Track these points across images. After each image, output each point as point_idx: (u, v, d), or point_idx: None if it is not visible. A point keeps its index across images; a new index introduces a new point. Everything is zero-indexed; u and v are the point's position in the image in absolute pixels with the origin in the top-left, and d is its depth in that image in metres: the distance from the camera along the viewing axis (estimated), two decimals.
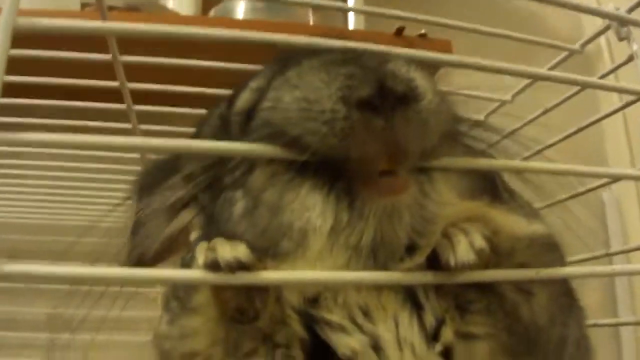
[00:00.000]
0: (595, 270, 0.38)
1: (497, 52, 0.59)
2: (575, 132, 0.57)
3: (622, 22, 0.49)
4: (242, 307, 0.33)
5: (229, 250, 0.31)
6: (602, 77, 0.58)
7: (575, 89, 0.57)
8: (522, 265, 0.36)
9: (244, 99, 0.42)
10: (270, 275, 0.31)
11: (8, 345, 1.20)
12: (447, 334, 0.35)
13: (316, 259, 0.34)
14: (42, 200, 1.06)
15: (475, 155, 0.38)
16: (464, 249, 0.32)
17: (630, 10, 0.51)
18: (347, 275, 0.33)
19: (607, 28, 0.54)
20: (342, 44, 0.35)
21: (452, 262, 0.32)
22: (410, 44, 1.02)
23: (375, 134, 0.31)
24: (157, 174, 0.50)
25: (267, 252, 0.34)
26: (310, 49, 0.38)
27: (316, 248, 0.33)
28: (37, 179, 0.93)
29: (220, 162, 0.42)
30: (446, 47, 1.00)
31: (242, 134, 0.40)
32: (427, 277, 0.34)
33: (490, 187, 0.39)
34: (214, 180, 0.42)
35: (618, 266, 0.54)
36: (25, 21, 0.28)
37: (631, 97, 0.53)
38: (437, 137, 0.33)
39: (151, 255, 0.47)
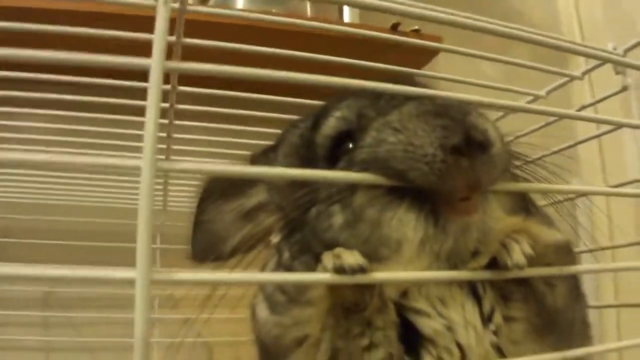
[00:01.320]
0: (605, 266, 0.52)
1: (482, 46, 0.68)
2: (551, 154, 0.71)
3: (619, 64, 0.62)
4: (356, 301, 0.45)
5: (351, 257, 0.42)
6: (585, 107, 0.72)
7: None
8: (549, 265, 0.49)
9: (331, 126, 0.53)
10: (379, 275, 0.43)
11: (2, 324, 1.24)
12: (498, 318, 0.49)
13: (407, 262, 0.46)
14: (35, 181, 1.11)
15: (515, 178, 0.51)
16: (517, 254, 0.45)
17: (626, 51, 0.64)
18: (432, 275, 0.46)
19: (604, 62, 0.67)
20: (423, 92, 0.46)
21: (509, 263, 0.45)
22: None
23: (461, 172, 0.43)
24: (230, 180, 0.60)
25: (368, 256, 0.44)
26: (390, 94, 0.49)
27: (408, 254, 0.46)
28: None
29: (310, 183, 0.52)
30: (437, 42, 1.11)
31: (329, 160, 0.52)
32: (487, 275, 0.47)
33: (524, 204, 0.52)
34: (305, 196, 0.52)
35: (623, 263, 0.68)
36: None
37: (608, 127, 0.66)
38: (501, 172, 0.45)
39: (228, 252, 0.57)
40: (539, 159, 0.53)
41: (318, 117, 0.55)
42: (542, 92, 0.75)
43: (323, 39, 1.10)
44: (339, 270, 0.41)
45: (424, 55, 1.31)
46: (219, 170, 0.44)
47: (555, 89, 0.74)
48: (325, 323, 0.47)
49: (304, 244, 0.49)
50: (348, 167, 0.48)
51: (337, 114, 0.53)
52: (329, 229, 0.48)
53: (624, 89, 0.66)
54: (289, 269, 0.50)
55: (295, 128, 0.59)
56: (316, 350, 0.47)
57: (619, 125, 0.57)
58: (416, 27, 1.25)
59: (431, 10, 0.47)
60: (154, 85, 0.33)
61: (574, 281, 0.54)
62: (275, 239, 0.56)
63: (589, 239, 0.72)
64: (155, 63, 0.33)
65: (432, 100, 0.46)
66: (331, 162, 0.52)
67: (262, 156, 0.62)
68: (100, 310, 1.24)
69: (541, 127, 0.73)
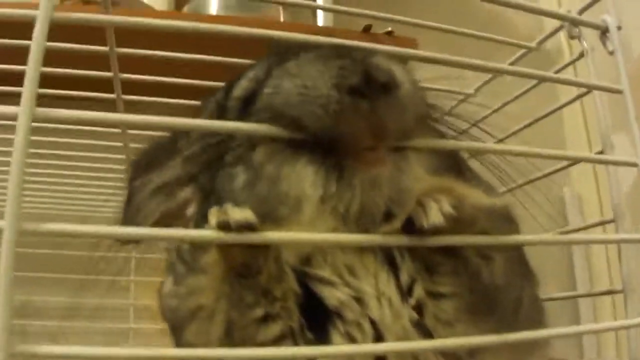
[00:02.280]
0: (545, 238, 0.46)
1: (459, 50, 0.66)
2: (535, 121, 0.66)
3: (574, 22, 0.58)
4: (247, 263, 0.40)
5: (238, 213, 0.37)
6: (558, 71, 0.67)
7: (534, 82, 0.66)
8: (483, 233, 0.43)
9: (242, 87, 0.49)
10: (273, 235, 0.38)
11: None
12: (419, 292, 0.43)
13: (309, 223, 0.41)
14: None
15: (440, 136, 0.46)
16: (434, 213, 0.40)
17: (581, 11, 0.60)
18: (335, 237, 0.40)
19: (560, 28, 0.63)
20: (330, 41, 0.43)
21: (424, 224, 0.39)
22: (377, 41, 1.10)
23: (361, 115, 0.38)
24: (155, 153, 0.56)
25: (266, 217, 0.40)
26: (301, 46, 0.45)
27: (309, 213, 0.41)
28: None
29: (219, 143, 0.49)
30: (412, 45, 1.08)
31: (240, 119, 0.47)
32: (402, 240, 0.41)
33: (454, 166, 0.47)
34: (212, 159, 0.49)
35: (571, 236, 0.62)
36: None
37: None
38: (413, 120, 0.41)
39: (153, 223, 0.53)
40: (482, 119, 0.48)
41: (232, 82, 0.52)
42: (534, 44, 0.70)
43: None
44: (224, 226, 0.37)
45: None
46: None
47: (513, 62, 0.70)
48: (219, 292, 0.42)
49: (209, 206, 0.45)
50: (249, 115, 0.44)
51: (249, 74, 0.49)
52: (230, 190, 0.44)
53: (581, 55, 0.62)
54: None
55: (213, 96, 0.55)
56: (210, 321, 0.42)
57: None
58: (389, 29, 1.22)
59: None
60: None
61: (517, 254, 0.48)
62: (191, 211, 0.52)
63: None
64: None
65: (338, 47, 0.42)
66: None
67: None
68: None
69: (522, 94, 0.69)
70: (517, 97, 0.70)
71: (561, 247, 1.45)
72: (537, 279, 0.51)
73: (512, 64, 0.70)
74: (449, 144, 0.45)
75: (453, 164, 0.47)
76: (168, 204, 0.53)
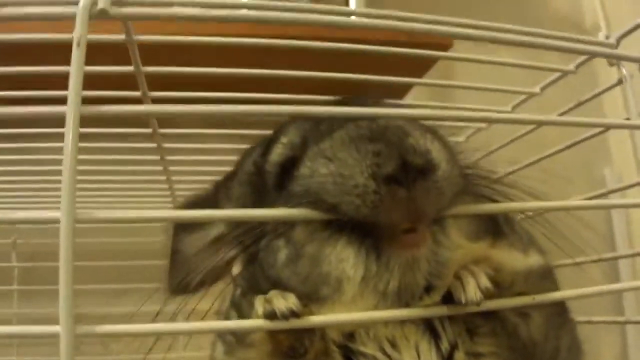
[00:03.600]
0: (586, 291, 0.47)
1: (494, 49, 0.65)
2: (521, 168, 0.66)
3: (611, 56, 0.57)
4: (293, 345, 0.43)
5: (283, 302, 0.40)
6: (591, 98, 0.66)
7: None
8: (521, 294, 0.45)
9: (278, 153, 0.50)
10: (315, 319, 0.40)
11: None
12: (460, 357, 0.44)
13: (351, 302, 0.43)
14: None
15: (480, 199, 0.47)
16: (472, 289, 0.42)
17: (620, 38, 0.58)
18: (376, 315, 0.42)
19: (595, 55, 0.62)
20: (362, 112, 0.43)
21: (463, 300, 0.41)
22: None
23: (399, 203, 0.39)
24: (199, 206, 0.59)
25: (310, 296, 0.43)
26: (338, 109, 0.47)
27: (350, 293, 0.43)
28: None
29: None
30: (447, 43, 1.06)
31: (278, 187, 0.49)
32: (442, 311, 0.43)
33: (493, 226, 0.48)
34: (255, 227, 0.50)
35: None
36: None
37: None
38: (450, 198, 0.42)
39: (195, 284, 0.55)
40: (510, 174, 0.48)
41: (268, 143, 0.53)
42: (537, 89, 0.70)
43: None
44: (270, 315, 0.39)
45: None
46: (144, 217, 0.42)
47: (548, 85, 0.69)
48: None
49: (253, 279, 0.48)
50: (287, 200, 0.45)
51: (284, 139, 0.51)
52: (273, 265, 0.46)
53: (619, 82, 0.61)
54: (237, 306, 0.48)
55: (249, 155, 0.57)
56: None
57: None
58: None
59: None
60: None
61: (555, 307, 0.49)
62: (235, 270, 0.55)
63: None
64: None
65: (371, 122, 0.43)
66: (280, 189, 0.50)
67: (223, 184, 0.60)
68: None
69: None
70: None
71: (600, 213, 1.43)
72: (574, 322, 0.52)
73: (545, 87, 0.69)
74: (487, 208, 0.46)
75: (491, 224, 0.48)
76: (213, 261, 0.55)
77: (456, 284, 0.43)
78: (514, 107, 0.77)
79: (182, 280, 0.57)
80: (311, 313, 0.41)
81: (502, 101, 0.78)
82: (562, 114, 0.68)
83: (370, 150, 0.40)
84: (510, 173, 0.64)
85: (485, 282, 0.42)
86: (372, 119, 0.43)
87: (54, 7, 0.41)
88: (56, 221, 0.34)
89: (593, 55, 0.57)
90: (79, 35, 0.38)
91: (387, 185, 0.39)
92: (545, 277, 0.48)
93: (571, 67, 0.65)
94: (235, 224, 0.55)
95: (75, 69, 0.37)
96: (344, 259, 0.42)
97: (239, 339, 0.46)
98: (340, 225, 0.42)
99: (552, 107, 0.70)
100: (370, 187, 0.39)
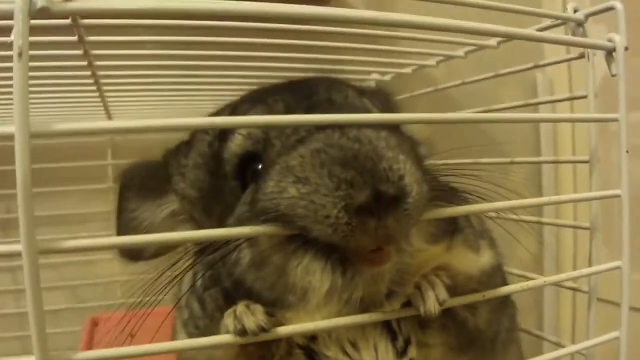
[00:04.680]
0: (529, 284, 0.51)
1: None
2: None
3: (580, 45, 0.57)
4: (262, 355, 0.45)
5: (252, 320, 0.41)
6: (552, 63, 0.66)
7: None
8: (473, 291, 0.48)
9: (237, 144, 0.49)
10: (282, 330, 0.42)
11: None
12: (413, 351, 0.48)
13: (315, 310, 0.44)
14: None
15: (440, 202, 0.47)
16: (431, 302, 0.44)
17: (587, 16, 0.58)
18: (340, 321, 0.44)
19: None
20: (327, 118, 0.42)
21: (422, 311, 0.44)
22: None
23: (370, 231, 0.39)
24: (147, 177, 0.57)
25: (275, 302, 0.45)
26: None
27: (315, 302, 0.44)
28: None
29: (217, 194, 0.50)
30: None
31: (237, 178, 0.49)
32: (400, 313, 0.46)
33: (451, 224, 0.49)
34: (211, 207, 0.50)
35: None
36: None
37: None
38: (418, 217, 0.42)
39: (151, 253, 0.55)
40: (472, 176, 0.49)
41: (224, 128, 0.51)
42: (493, 42, 0.69)
43: None
44: (241, 333, 0.41)
45: None
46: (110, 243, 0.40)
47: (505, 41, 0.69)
48: None
49: (215, 272, 0.48)
50: (253, 212, 0.44)
51: (242, 130, 0.48)
52: (236, 264, 0.46)
53: (581, 55, 0.61)
54: (200, 299, 0.50)
55: (206, 134, 0.54)
56: None
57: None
58: None
59: None
60: None
61: (500, 298, 0.53)
62: (191, 247, 0.55)
63: None
64: None
65: (341, 135, 0.41)
66: (239, 179, 0.50)
67: (175, 156, 0.58)
68: None
69: None
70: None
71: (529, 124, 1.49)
72: (514, 307, 0.57)
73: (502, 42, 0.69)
74: (447, 212, 0.46)
75: (449, 223, 0.49)
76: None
77: (416, 294, 0.45)
78: (467, 53, 0.76)
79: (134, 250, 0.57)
80: (279, 323, 0.43)
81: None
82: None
83: (342, 179, 0.39)
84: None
85: (443, 295, 0.45)
86: (342, 129, 0.42)
87: None
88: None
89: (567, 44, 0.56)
90: (20, 43, 0.34)
91: (359, 216, 0.39)
92: (495, 274, 0.51)
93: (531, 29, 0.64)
94: (190, 204, 0.54)
95: (20, 85, 0.33)
96: (311, 273, 0.43)
97: (203, 334, 0.46)
98: (306, 240, 0.42)
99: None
100: (342, 220, 0.39)
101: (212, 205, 0.52)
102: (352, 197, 0.39)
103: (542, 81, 1.54)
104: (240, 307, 0.43)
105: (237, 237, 0.43)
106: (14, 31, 0.34)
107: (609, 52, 0.55)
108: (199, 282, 0.49)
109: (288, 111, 0.48)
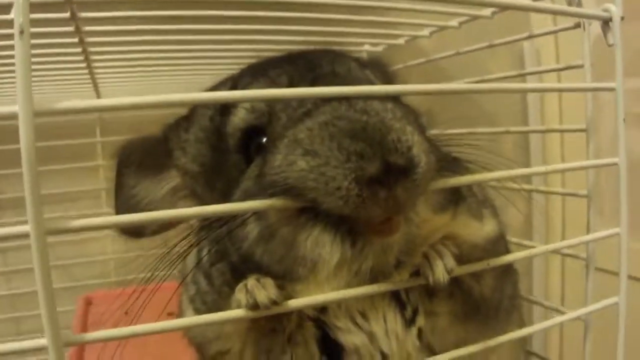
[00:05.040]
0: (532, 252, 0.52)
1: None
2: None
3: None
4: (274, 327, 0.46)
5: (264, 294, 0.42)
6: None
7: None
8: (478, 259, 0.49)
9: (240, 117, 0.49)
10: (294, 303, 0.43)
11: None
12: (421, 320, 0.50)
13: (325, 281, 0.45)
14: None
15: (445, 172, 0.48)
16: (440, 271, 0.45)
17: None
18: (349, 292, 0.45)
19: None
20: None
21: (430, 280, 0.45)
22: None
23: (380, 202, 0.40)
24: (146, 152, 0.57)
25: (284, 275, 0.45)
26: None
27: (325, 274, 0.45)
28: None
29: (220, 171, 0.50)
30: None
31: (240, 152, 0.49)
32: (409, 283, 0.47)
33: (455, 194, 0.50)
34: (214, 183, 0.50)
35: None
36: None
37: None
38: (426, 187, 0.43)
39: (153, 230, 0.55)
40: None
41: (222, 92, 0.51)
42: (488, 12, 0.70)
43: None
44: (253, 307, 0.42)
45: None
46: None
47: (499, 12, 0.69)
48: (246, 339, 0.48)
49: (222, 247, 0.48)
50: (260, 185, 0.44)
51: (247, 105, 0.48)
52: (244, 238, 0.46)
53: (577, 25, 0.61)
54: (207, 275, 0.50)
55: (207, 109, 0.54)
56: None
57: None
58: None
59: None
60: None
61: (503, 265, 0.54)
62: (193, 221, 0.55)
63: None
64: None
65: (348, 107, 0.42)
66: (243, 153, 0.50)
67: (174, 131, 0.58)
68: None
69: None
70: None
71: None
72: (516, 274, 0.58)
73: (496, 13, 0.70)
74: (452, 182, 0.47)
75: (453, 192, 0.50)
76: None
77: (424, 263, 0.46)
78: (461, 23, 0.76)
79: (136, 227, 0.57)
80: (289, 296, 0.43)
81: None
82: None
83: (352, 151, 0.39)
84: None
85: (451, 264, 0.46)
86: (349, 101, 0.42)
87: None
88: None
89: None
90: (20, 21, 0.33)
91: (369, 187, 0.39)
92: (498, 242, 0.52)
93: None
94: (192, 179, 0.54)
95: (22, 64, 0.33)
96: (320, 245, 0.43)
97: (211, 310, 0.47)
98: (315, 212, 0.43)
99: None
100: (353, 191, 0.39)
101: (214, 180, 0.52)
102: (362, 168, 0.39)
103: (529, 51, 1.53)
104: (251, 281, 0.43)
105: (246, 211, 0.43)
106: (14, 9, 0.34)
107: (605, 22, 0.55)
108: (205, 258, 0.50)
109: (292, 84, 0.48)
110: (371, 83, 0.50)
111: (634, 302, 0.59)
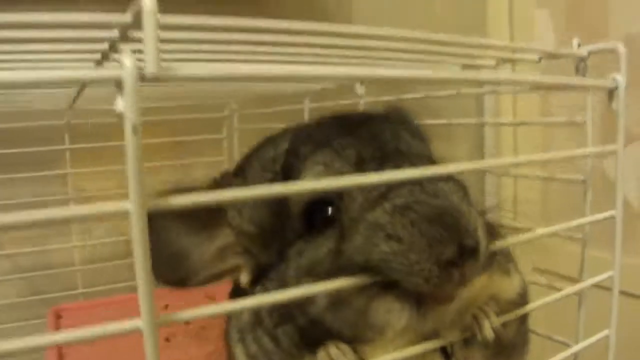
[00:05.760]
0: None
1: None
2: None
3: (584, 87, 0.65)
4: None
5: None
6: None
7: None
8: (506, 311, 0.55)
9: (307, 194, 0.52)
10: None
11: None
12: None
13: (390, 341, 0.50)
14: None
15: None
16: (488, 330, 0.52)
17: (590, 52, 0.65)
18: (414, 350, 0.50)
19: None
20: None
21: (479, 338, 0.53)
22: None
23: (452, 280, 0.46)
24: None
25: (354, 338, 0.50)
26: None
27: (391, 337, 0.50)
28: None
29: (277, 234, 0.53)
30: None
31: (304, 220, 0.52)
32: (460, 336, 0.53)
33: (494, 256, 0.56)
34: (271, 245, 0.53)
35: None
36: None
37: None
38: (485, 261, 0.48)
39: (200, 280, 0.58)
40: None
41: (288, 168, 0.54)
42: None
43: None
44: None
45: None
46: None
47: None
48: None
49: (285, 310, 0.52)
50: (335, 255, 0.49)
51: (314, 173, 0.52)
52: (312, 303, 0.50)
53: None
54: (273, 336, 0.53)
55: (265, 171, 0.57)
56: None
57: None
58: None
59: None
60: None
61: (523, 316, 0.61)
62: (244, 278, 0.58)
63: None
64: None
65: (422, 189, 0.46)
66: (306, 223, 0.53)
67: (228, 184, 0.59)
68: None
69: None
70: None
71: None
72: (528, 315, 0.65)
73: None
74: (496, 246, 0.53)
75: (493, 255, 0.56)
76: (218, 268, 0.58)
77: (474, 323, 0.52)
78: None
79: (179, 275, 0.58)
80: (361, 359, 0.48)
81: None
82: None
83: (433, 237, 0.45)
84: None
85: (496, 322, 0.53)
86: (421, 184, 0.47)
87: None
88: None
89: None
90: (133, 118, 0.32)
91: (446, 267, 0.45)
92: (525, 294, 0.59)
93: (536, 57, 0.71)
94: (247, 238, 0.57)
95: (135, 160, 0.33)
96: (392, 312, 0.48)
97: None
98: (386, 284, 0.47)
99: None
100: (434, 272, 0.45)
101: (270, 241, 0.55)
102: (442, 253, 0.45)
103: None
104: (333, 349, 0.49)
105: (332, 290, 0.46)
106: (123, 102, 0.33)
107: (610, 90, 0.63)
108: (265, 318, 0.54)
109: (361, 160, 0.51)
110: (429, 158, 0.55)
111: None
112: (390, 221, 0.46)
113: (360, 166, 0.51)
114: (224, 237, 0.58)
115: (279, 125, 0.62)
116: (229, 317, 0.62)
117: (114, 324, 0.35)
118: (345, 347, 0.49)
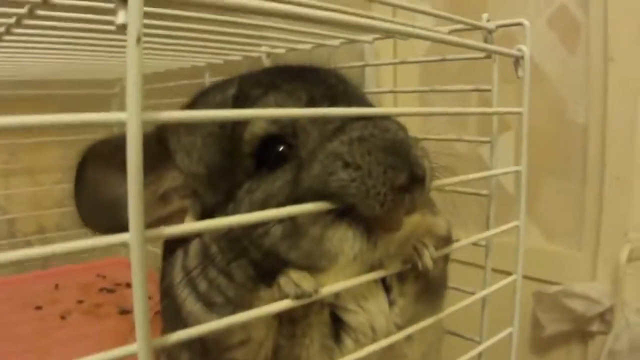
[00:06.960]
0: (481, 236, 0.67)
1: None
2: None
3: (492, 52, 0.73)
4: (305, 313, 0.55)
5: (308, 284, 0.50)
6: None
7: None
8: (437, 247, 0.62)
9: (261, 127, 0.55)
10: (328, 289, 0.51)
11: None
12: (401, 301, 0.62)
13: (341, 270, 0.54)
14: None
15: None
16: (427, 260, 0.58)
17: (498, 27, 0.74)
18: (365, 277, 0.55)
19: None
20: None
21: (420, 267, 0.58)
22: None
23: (403, 204, 0.51)
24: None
25: (309, 267, 0.53)
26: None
27: (343, 264, 0.54)
28: None
29: (229, 179, 0.56)
30: None
31: (256, 158, 0.55)
32: (401, 268, 0.59)
33: (429, 199, 0.63)
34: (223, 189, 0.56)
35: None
36: None
37: None
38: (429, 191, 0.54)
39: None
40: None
41: (240, 107, 0.57)
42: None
43: None
44: (300, 296, 0.49)
45: None
46: None
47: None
48: (270, 326, 0.55)
49: (237, 245, 0.54)
50: (292, 189, 0.52)
51: (262, 110, 0.54)
52: (265, 235, 0.53)
53: (488, 56, 0.77)
54: (226, 272, 0.55)
55: (214, 108, 0.59)
56: (259, 348, 0.55)
57: None
58: None
59: None
60: None
61: (446, 258, 0.68)
62: (189, 220, 0.59)
63: None
64: None
65: (375, 125, 0.51)
66: (257, 160, 0.56)
67: (174, 134, 0.60)
68: None
69: None
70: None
71: None
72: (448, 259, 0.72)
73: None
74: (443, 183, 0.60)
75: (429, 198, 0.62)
76: (164, 211, 0.59)
77: (415, 254, 0.59)
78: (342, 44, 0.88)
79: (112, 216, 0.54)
80: (321, 286, 0.51)
81: None
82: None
83: (388, 164, 0.50)
84: None
85: (434, 253, 0.59)
86: (373, 121, 0.51)
87: None
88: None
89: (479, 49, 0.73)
90: (137, 27, 0.33)
91: (399, 193, 0.50)
92: (451, 232, 0.66)
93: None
94: (195, 179, 0.58)
95: (136, 71, 0.34)
96: (345, 240, 0.52)
97: (234, 302, 0.54)
98: (339, 212, 0.51)
99: None
100: (388, 196, 0.49)
101: (219, 181, 0.57)
102: (396, 179, 0.49)
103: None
104: (294, 274, 0.51)
105: (286, 216, 0.50)
106: (126, 15, 0.33)
107: (517, 59, 0.72)
108: (217, 254, 0.55)
109: (313, 101, 0.55)
110: (368, 101, 0.60)
111: None
112: (349, 151, 0.50)
113: (312, 106, 0.55)
114: (171, 179, 0.59)
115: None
116: (165, 270, 0.62)
117: None
118: (303, 273, 0.52)
